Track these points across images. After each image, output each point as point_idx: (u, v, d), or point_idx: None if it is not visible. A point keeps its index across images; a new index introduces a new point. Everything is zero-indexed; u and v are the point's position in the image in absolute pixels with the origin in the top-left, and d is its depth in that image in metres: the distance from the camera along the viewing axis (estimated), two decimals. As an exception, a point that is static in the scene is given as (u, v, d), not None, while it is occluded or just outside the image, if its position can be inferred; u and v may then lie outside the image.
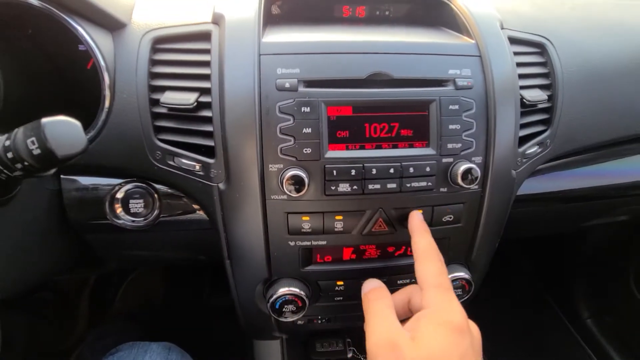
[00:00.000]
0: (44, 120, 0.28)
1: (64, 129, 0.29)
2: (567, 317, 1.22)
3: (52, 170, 0.33)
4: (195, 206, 0.48)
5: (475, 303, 1.23)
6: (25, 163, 0.29)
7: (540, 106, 0.50)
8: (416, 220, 0.42)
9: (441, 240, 0.48)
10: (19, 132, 0.29)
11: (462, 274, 0.48)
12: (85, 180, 0.47)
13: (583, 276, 1.21)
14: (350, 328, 0.76)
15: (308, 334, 0.74)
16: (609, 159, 0.64)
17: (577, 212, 0.67)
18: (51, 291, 1.10)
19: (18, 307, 1.00)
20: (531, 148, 0.49)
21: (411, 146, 0.43)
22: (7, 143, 0.29)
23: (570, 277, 1.22)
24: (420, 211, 0.44)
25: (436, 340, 0.32)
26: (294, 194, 0.40)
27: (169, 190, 0.48)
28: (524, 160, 0.49)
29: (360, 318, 0.56)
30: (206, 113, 0.42)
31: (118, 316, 1.07)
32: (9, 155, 0.29)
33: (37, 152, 0.28)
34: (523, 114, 0.48)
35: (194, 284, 1.26)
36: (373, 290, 0.40)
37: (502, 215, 0.50)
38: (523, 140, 0.49)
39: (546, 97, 0.49)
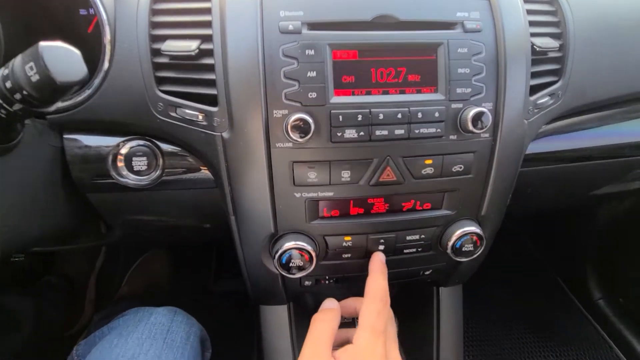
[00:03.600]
0: (42, 43, 0.27)
1: (63, 55, 0.28)
2: (579, 298, 1.20)
3: (53, 107, 0.32)
4: (199, 165, 0.48)
5: (485, 285, 1.22)
6: (24, 92, 0.28)
7: (551, 55, 0.48)
8: (377, 261, 0.46)
9: (451, 193, 0.47)
10: (17, 58, 0.28)
11: (473, 228, 0.47)
12: (88, 139, 0.46)
13: (594, 257, 1.19)
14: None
15: (315, 305, 0.73)
16: (622, 119, 0.63)
17: (589, 176, 0.65)
18: (56, 275, 1.10)
19: (25, 290, 1.01)
20: (543, 98, 0.48)
21: (419, 92, 0.42)
22: (6, 72, 0.28)
23: (581, 258, 1.20)
24: (383, 255, 0.47)
25: None
26: (300, 140, 0.39)
27: (173, 149, 0.47)
28: (536, 110, 0.48)
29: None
30: (208, 61, 0.41)
31: (124, 299, 1.07)
32: (8, 84, 0.28)
33: (35, 78, 0.28)
34: (534, 62, 0.46)
35: (199, 269, 1.26)
36: (323, 311, 0.44)
37: (513, 168, 0.49)
38: (534, 90, 0.47)
39: (557, 46, 0.48)
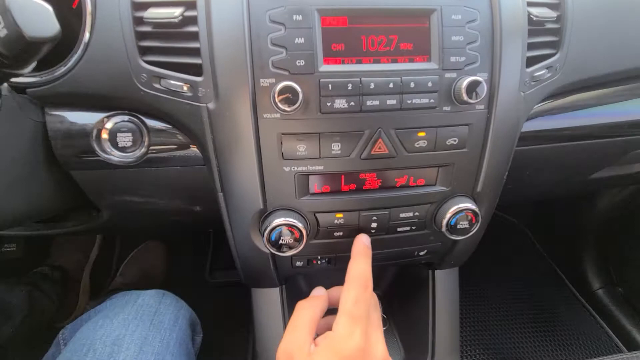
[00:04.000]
0: (10, -5, 0.26)
1: (32, 9, 0.27)
2: (578, 288, 1.20)
3: (27, 69, 0.30)
4: (187, 141, 0.46)
5: (483, 276, 1.21)
6: (-7, 49, 0.27)
7: (548, 26, 0.47)
8: (359, 244, 0.44)
9: (445, 168, 0.45)
10: None
11: (468, 204, 0.46)
12: (71, 114, 0.45)
13: (592, 247, 1.18)
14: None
15: (308, 289, 0.72)
16: (620, 99, 0.61)
17: (588, 156, 0.64)
18: (50, 266, 1.09)
19: (17, 281, 0.99)
20: (540, 71, 0.46)
21: (411, 61, 0.40)
22: None
23: (580, 248, 1.20)
24: (367, 237, 0.45)
25: None
26: (288, 110, 0.38)
27: (159, 125, 0.46)
28: (533, 83, 0.46)
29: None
30: (192, 28, 0.39)
31: (118, 290, 1.05)
32: None
33: (3, 33, 0.26)
34: (530, 33, 0.45)
35: (195, 260, 1.25)
36: (307, 299, 0.42)
37: (509, 143, 0.47)
38: (531, 62, 0.46)
39: (555, 16, 0.47)
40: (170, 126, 0.46)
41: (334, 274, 0.67)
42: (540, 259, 1.30)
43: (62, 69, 0.41)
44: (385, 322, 0.71)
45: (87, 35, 0.41)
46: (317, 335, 0.40)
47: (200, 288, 1.17)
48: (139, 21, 0.40)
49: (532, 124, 0.54)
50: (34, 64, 0.31)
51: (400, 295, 0.70)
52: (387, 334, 0.69)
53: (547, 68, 0.47)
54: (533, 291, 1.18)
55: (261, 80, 0.38)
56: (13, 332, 0.86)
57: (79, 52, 0.41)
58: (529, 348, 1.00)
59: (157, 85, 0.41)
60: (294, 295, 0.61)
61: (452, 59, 0.40)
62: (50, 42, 0.28)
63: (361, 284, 0.39)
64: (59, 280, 1.08)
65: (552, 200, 1.26)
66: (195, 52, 0.40)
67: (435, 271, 0.62)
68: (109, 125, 0.44)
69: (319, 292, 0.44)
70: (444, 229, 0.47)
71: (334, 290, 0.46)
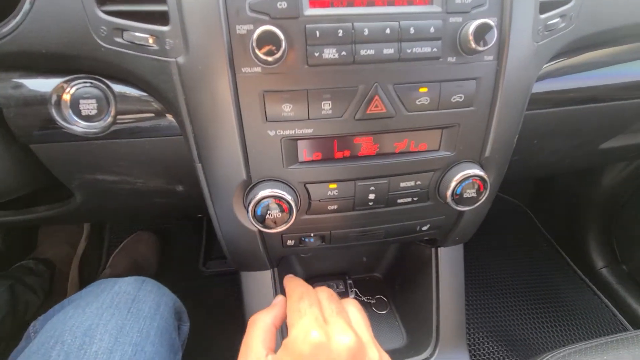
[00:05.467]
0: None
1: None
2: (581, 267, 1.18)
3: None
4: (160, 108, 0.41)
5: (486, 256, 1.18)
6: None
7: (563, -33, 0.42)
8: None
9: (450, 129, 0.40)
10: None
11: (476, 170, 0.41)
12: (26, 80, 0.39)
13: (596, 226, 1.16)
14: (353, 267, 0.70)
15: (304, 271, 0.67)
16: (635, 57, 0.57)
17: (598, 122, 0.59)
18: (36, 260, 1.04)
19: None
20: (554, 18, 0.41)
21: (411, 3, 0.35)
22: None
23: (582, 227, 1.17)
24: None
25: None
26: (270, 61, 0.32)
27: (128, 91, 0.40)
28: (547, 32, 0.41)
29: (359, 238, 0.49)
30: (155, -32, 0.34)
31: (107, 281, 1.01)
32: None
33: None
34: (544, -25, 0.40)
35: (188, 250, 1.21)
36: (260, 311, 0.38)
37: (521, 100, 0.43)
38: (545, 8, 0.41)
39: (571, -44, 0.41)
40: (140, 91, 0.40)
41: (331, 258, 0.63)
42: (542, 239, 1.28)
43: (8, 26, 0.35)
44: (385, 305, 0.67)
45: (34, -20, 0.35)
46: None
47: (193, 279, 1.13)
48: (94, -37, 0.35)
49: (541, 85, 0.49)
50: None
51: (402, 277, 0.66)
52: (388, 318, 0.65)
53: (561, 16, 0.42)
54: (536, 272, 1.16)
55: (237, 26, 0.33)
56: (-4, 328, 0.82)
57: (27, 4, 0.35)
58: (533, 329, 0.98)
59: (119, 40, 0.36)
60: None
61: (458, 0, 0.35)
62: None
63: (300, 286, 0.37)
64: (45, 274, 1.03)
65: (554, 177, 1.22)
66: (160, -2, 0.34)
67: (439, 249, 0.58)
68: (70, 90, 0.39)
69: (276, 300, 0.39)
70: (449, 199, 0.43)
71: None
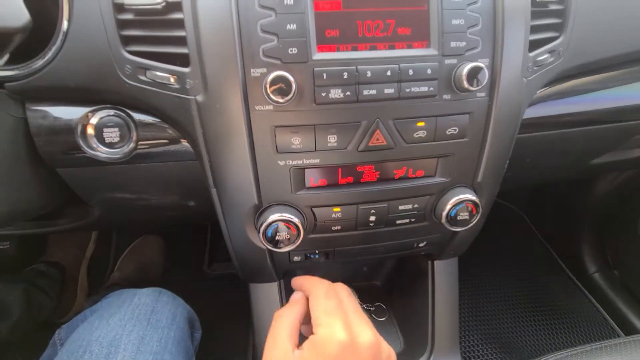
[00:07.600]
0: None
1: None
2: (574, 272, 1.20)
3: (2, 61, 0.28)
4: (177, 136, 0.44)
5: (480, 261, 1.20)
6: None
7: (552, 7, 0.45)
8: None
9: (445, 158, 0.44)
10: None
11: (469, 195, 0.45)
12: (54, 109, 0.43)
13: (589, 231, 1.18)
14: (354, 275, 0.73)
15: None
16: (623, 82, 0.60)
17: (589, 143, 0.63)
18: (47, 263, 1.08)
19: (12, 278, 0.98)
20: (543, 55, 0.45)
21: (410, 47, 0.38)
22: None
23: (576, 233, 1.20)
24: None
25: None
26: (281, 102, 0.36)
27: (148, 119, 0.44)
28: (536, 68, 0.44)
29: (361, 253, 0.53)
30: (177, 15, 0.37)
31: (115, 285, 1.05)
32: None
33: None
34: (534, 15, 0.43)
35: (193, 253, 1.24)
36: (284, 307, 0.40)
37: (511, 130, 0.46)
38: (534, 46, 0.44)
39: (559, -3, 0.44)
40: (159, 120, 0.44)
41: (334, 267, 0.67)
42: (537, 244, 1.30)
43: (41, 62, 0.39)
44: (384, 312, 0.71)
45: (65, 24, 0.38)
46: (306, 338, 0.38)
47: (199, 281, 1.17)
48: (119, 8, 0.38)
49: (532, 111, 0.52)
50: (6, 57, 0.29)
51: (400, 286, 0.70)
52: (386, 324, 0.69)
53: (550, 52, 0.46)
54: (530, 276, 1.18)
55: (252, 70, 0.36)
56: (11, 330, 0.86)
57: (58, 42, 0.38)
58: (526, 333, 1.01)
59: (143, 77, 0.39)
60: (293, 289, 0.60)
61: (453, 44, 0.38)
62: (20, 33, 0.26)
63: (323, 283, 0.38)
64: (56, 277, 1.07)
65: (549, 185, 1.25)
66: (182, 41, 0.37)
67: (435, 262, 0.61)
68: (94, 120, 0.42)
69: (296, 297, 0.41)
70: (443, 220, 0.46)
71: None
